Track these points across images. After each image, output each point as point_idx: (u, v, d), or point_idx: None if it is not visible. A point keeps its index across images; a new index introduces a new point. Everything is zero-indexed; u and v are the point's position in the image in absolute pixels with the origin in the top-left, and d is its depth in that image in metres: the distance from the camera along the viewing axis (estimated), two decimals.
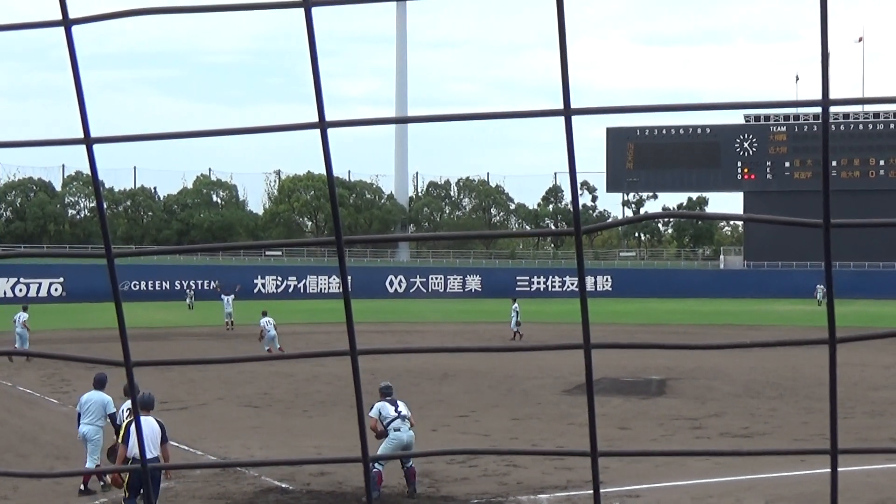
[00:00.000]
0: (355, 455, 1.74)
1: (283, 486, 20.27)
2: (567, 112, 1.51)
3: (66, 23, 1.58)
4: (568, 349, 1.63)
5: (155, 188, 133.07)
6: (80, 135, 1.65)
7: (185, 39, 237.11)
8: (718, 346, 1.64)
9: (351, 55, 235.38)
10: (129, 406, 20.32)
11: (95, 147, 1.66)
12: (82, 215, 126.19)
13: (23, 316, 45.47)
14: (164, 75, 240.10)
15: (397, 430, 19.55)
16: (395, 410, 19.80)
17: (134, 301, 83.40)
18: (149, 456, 17.16)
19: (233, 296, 62.72)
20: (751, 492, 19.47)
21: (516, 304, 56.23)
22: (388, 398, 20.05)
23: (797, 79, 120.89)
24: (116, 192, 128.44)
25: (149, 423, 17.17)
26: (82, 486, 20.09)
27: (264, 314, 46.75)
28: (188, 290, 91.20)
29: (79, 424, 20.53)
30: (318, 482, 20.45)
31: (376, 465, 18.89)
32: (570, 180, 1.55)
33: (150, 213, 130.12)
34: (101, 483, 20.22)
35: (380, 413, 19.67)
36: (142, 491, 16.77)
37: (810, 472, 19.58)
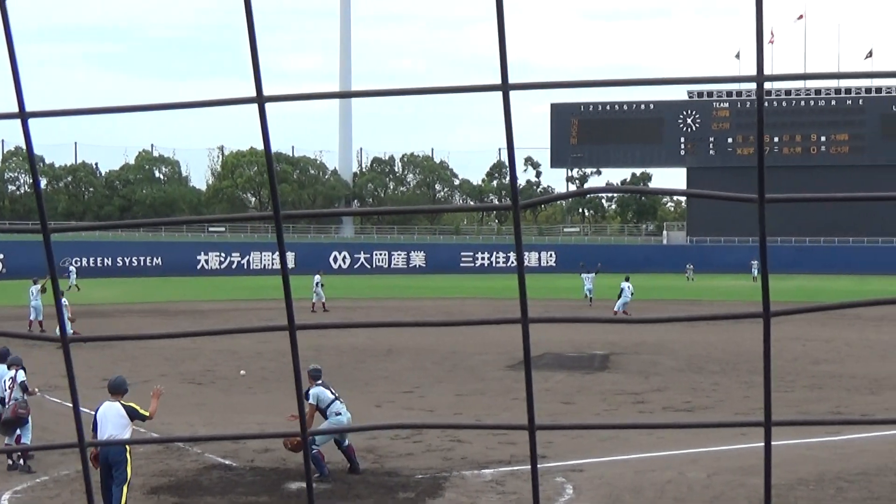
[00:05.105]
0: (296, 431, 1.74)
1: (227, 462, 20.23)
2: (504, 87, 1.52)
3: None
4: (506, 323, 1.63)
5: (96, 164, 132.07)
6: (16, 110, 1.63)
7: (127, 14, 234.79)
8: (654, 321, 1.65)
9: (295, 30, 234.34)
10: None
11: (33, 122, 1.65)
12: (22, 191, 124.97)
13: (35, 288, 45.96)
14: (106, 50, 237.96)
15: (338, 413, 19.28)
16: (332, 392, 19.60)
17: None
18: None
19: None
20: (693, 465, 19.66)
21: (318, 277, 57.91)
22: (319, 381, 19.61)
23: (738, 55, 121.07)
24: (57, 168, 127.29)
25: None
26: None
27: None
28: (70, 268, 78.85)
29: None
30: (262, 459, 20.43)
31: (315, 444, 18.79)
32: (508, 155, 1.55)
33: (91, 189, 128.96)
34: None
35: (317, 398, 19.35)
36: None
37: (751, 445, 19.76)
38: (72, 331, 43.16)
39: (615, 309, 52.15)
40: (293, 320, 1.63)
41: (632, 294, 53.00)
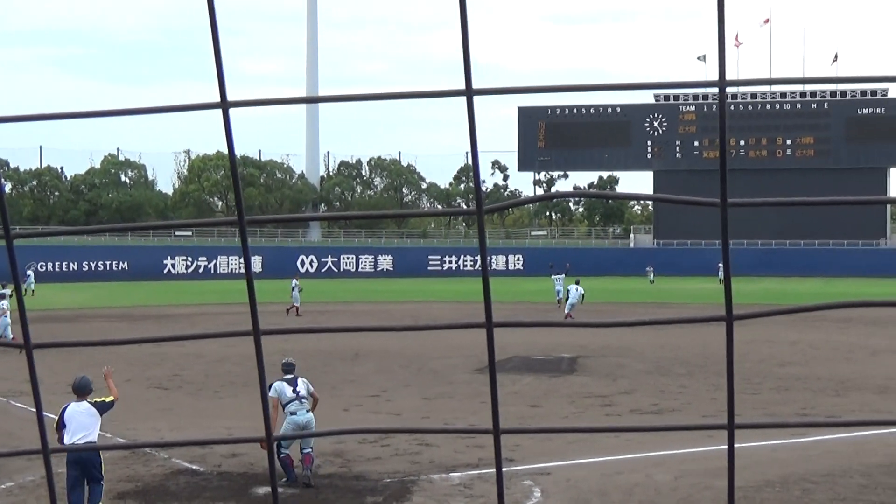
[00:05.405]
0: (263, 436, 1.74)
1: (194, 467, 20.14)
2: (469, 92, 1.52)
3: None
4: (471, 328, 1.64)
5: (62, 168, 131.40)
6: None
7: (91, 18, 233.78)
8: (618, 324, 1.66)
9: (261, 34, 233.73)
10: None
11: None
12: None
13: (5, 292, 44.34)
14: (70, 54, 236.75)
15: (293, 413, 19.16)
16: (294, 391, 19.39)
17: (40, 283, 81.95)
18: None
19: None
20: (660, 467, 19.70)
21: (295, 281, 58.53)
22: (287, 377, 19.55)
23: (704, 58, 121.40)
24: (22, 172, 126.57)
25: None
26: None
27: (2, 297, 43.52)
28: (28, 272, 79.06)
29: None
30: (229, 464, 20.35)
31: (282, 449, 18.75)
32: (472, 160, 1.56)
33: (56, 194, 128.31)
34: None
35: (278, 392, 19.28)
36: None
37: (717, 447, 19.85)
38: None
39: (566, 312, 52.75)
40: (258, 325, 1.63)
41: (582, 297, 53.54)
